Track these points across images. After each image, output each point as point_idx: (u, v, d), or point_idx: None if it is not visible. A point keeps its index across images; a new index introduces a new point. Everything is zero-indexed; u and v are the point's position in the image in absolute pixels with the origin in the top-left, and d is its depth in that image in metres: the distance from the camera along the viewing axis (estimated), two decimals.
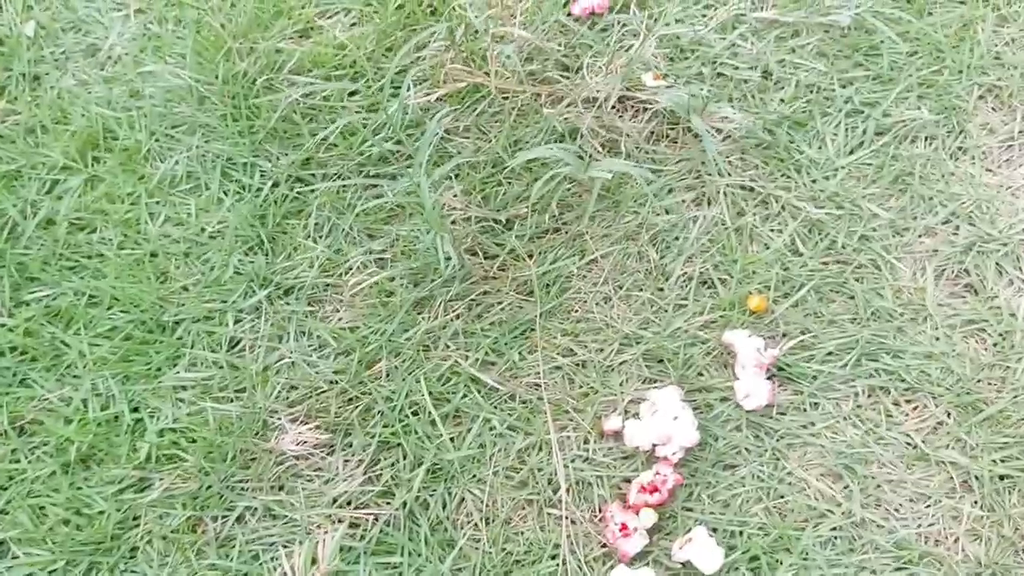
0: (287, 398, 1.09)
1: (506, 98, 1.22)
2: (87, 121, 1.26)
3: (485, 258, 1.17)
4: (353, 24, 1.30)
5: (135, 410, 1.10)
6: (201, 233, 1.19)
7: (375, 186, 1.20)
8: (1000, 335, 1.12)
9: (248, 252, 1.18)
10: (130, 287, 1.16)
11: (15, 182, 1.24)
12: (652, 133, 1.23)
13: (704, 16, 1.32)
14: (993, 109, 1.27)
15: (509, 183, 1.19)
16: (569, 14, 1.30)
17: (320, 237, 1.17)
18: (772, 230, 1.19)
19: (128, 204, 1.21)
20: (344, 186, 1.19)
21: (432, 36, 1.20)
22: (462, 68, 1.16)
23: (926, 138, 1.25)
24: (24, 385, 1.13)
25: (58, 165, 1.24)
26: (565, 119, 1.19)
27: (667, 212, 1.20)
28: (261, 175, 1.20)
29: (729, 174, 1.22)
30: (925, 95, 1.27)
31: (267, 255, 1.17)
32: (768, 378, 1.09)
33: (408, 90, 1.14)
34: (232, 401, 1.09)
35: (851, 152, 1.24)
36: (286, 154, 1.21)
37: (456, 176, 1.19)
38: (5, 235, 1.20)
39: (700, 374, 1.12)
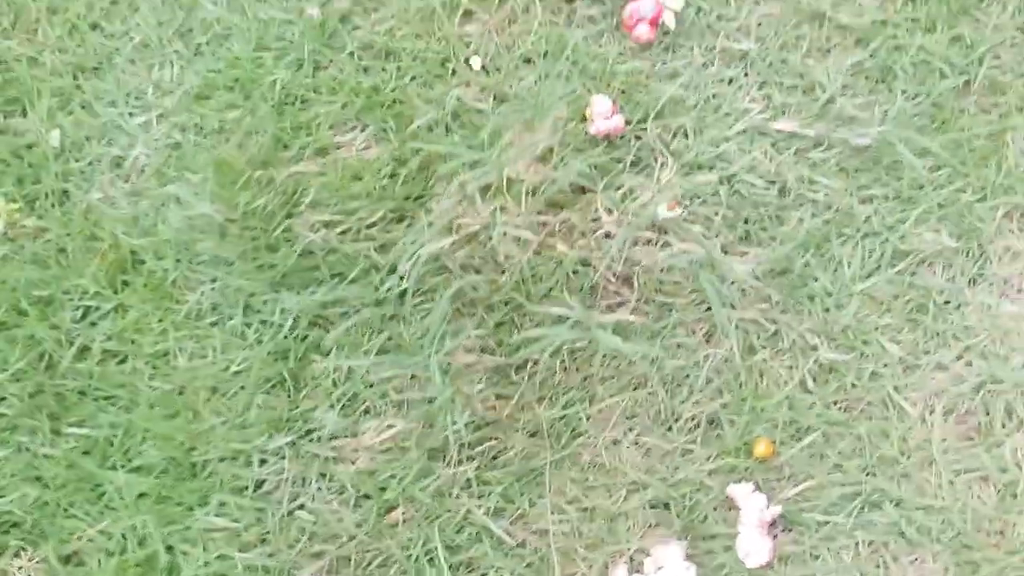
0: (310, 549, 1.14)
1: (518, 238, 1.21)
2: (115, 244, 1.28)
3: (497, 399, 1.19)
4: (367, 147, 1.29)
5: (169, 549, 1.16)
6: (226, 370, 1.22)
7: (393, 318, 1.22)
8: (1004, 485, 1.13)
9: (271, 389, 1.21)
10: (162, 422, 1.21)
11: (48, 308, 1.28)
12: (665, 269, 1.22)
13: (722, 126, 1.28)
14: (1017, 231, 1.24)
15: (522, 324, 1.20)
16: (585, 133, 1.27)
17: (340, 378, 1.20)
18: (783, 366, 1.19)
19: (157, 335, 1.25)
20: (362, 324, 1.21)
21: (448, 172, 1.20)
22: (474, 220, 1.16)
23: (944, 264, 1.23)
24: (68, 516, 1.20)
25: (90, 292, 1.27)
26: (580, 258, 1.19)
27: (678, 347, 1.20)
28: (282, 311, 1.23)
29: (741, 306, 1.21)
30: (945, 217, 1.24)
31: (289, 393, 1.21)
32: (772, 534, 1.11)
33: (410, 260, 1.14)
34: (258, 546, 1.15)
35: (868, 276, 1.22)
36: (306, 290, 1.23)
37: (470, 314, 1.20)
38: (44, 367, 1.25)
39: (704, 520, 1.14)
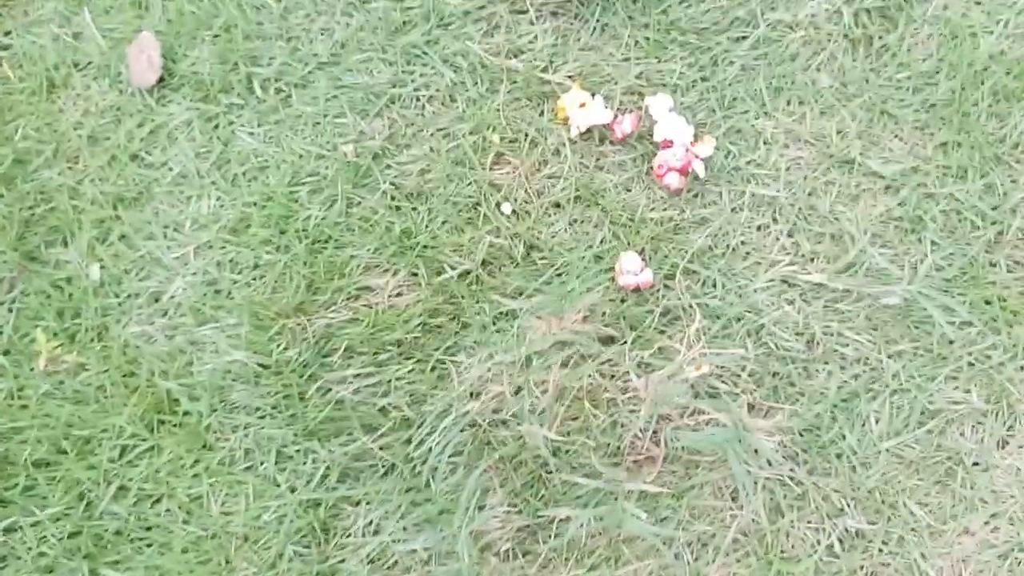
0: None
1: (545, 390, 1.21)
2: (151, 385, 1.30)
3: (523, 555, 1.19)
4: (398, 292, 1.30)
5: None
6: (258, 518, 1.23)
7: (419, 474, 1.22)
8: None
9: (302, 540, 1.22)
10: (195, 568, 1.22)
11: (86, 446, 1.29)
12: (693, 427, 1.21)
13: (751, 275, 1.27)
14: None
15: (549, 481, 1.20)
16: (613, 280, 1.27)
17: (370, 531, 1.20)
18: (809, 529, 1.18)
19: (191, 478, 1.26)
20: (392, 481, 1.21)
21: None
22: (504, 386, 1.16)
23: (973, 425, 1.21)
24: None
25: (127, 431, 1.29)
26: (609, 421, 1.18)
27: (704, 507, 1.19)
28: (314, 462, 1.23)
29: (769, 463, 1.20)
30: (975, 376, 1.22)
31: (320, 545, 1.21)
32: None
33: (440, 428, 1.15)
34: None
35: (896, 435, 1.21)
36: (337, 441, 1.23)
37: (498, 471, 1.20)
38: (82, 507, 1.26)
39: None
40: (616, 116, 1.30)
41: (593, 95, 1.32)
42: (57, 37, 1.50)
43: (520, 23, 1.41)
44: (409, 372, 1.23)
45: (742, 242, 1.29)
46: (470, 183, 1.33)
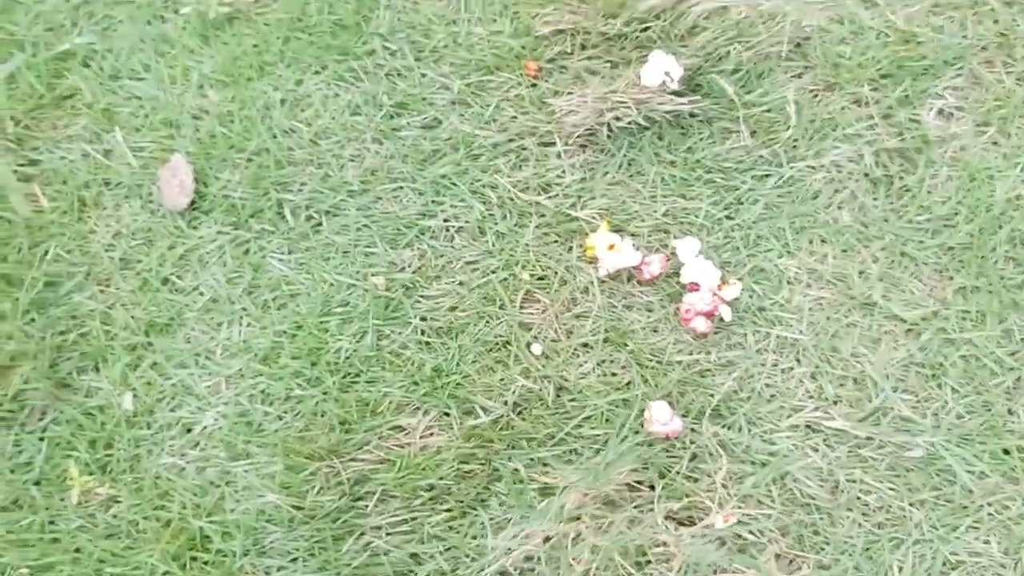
0: None
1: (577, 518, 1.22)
2: (183, 521, 1.29)
3: None
4: (430, 432, 1.30)
5: None
6: None
7: None
8: None
9: None
10: None
11: None
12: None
13: (776, 419, 1.29)
14: None
15: None
16: (642, 425, 1.28)
17: None
18: None
19: None
20: None
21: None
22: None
23: None
24: None
25: (159, 571, 1.28)
26: (639, 570, 1.19)
27: None
28: None
29: None
30: (994, 528, 1.24)
31: None
32: None
33: None
34: None
35: None
36: None
37: None
38: None
39: None
40: (644, 258, 1.31)
41: (621, 236, 1.33)
42: (87, 155, 1.50)
43: (548, 156, 1.43)
44: (442, 519, 1.23)
45: (766, 385, 1.30)
46: (500, 322, 1.34)
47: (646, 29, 1.41)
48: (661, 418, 1.23)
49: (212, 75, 1.52)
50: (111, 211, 1.48)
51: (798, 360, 1.32)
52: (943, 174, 1.38)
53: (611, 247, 1.31)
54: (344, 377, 1.33)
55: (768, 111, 1.40)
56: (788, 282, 1.34)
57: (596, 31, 1.42)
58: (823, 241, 1.37)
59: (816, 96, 1.42)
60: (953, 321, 1.31)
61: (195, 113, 1.50)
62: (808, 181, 1.39)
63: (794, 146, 1.41)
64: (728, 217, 1.38)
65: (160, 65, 1.52)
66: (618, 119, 1.38)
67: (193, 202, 1.46)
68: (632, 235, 1.36)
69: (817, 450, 1.27)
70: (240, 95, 1.50)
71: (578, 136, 1.41)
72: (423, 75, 1.47)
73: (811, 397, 1.29)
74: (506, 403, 1.28)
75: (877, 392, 1.28)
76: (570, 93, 1.40)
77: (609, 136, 1.40)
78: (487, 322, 1.34)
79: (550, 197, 1.40)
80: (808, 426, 1.28)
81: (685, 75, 1.37)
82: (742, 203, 1.39)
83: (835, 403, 1.29)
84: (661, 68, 1.34)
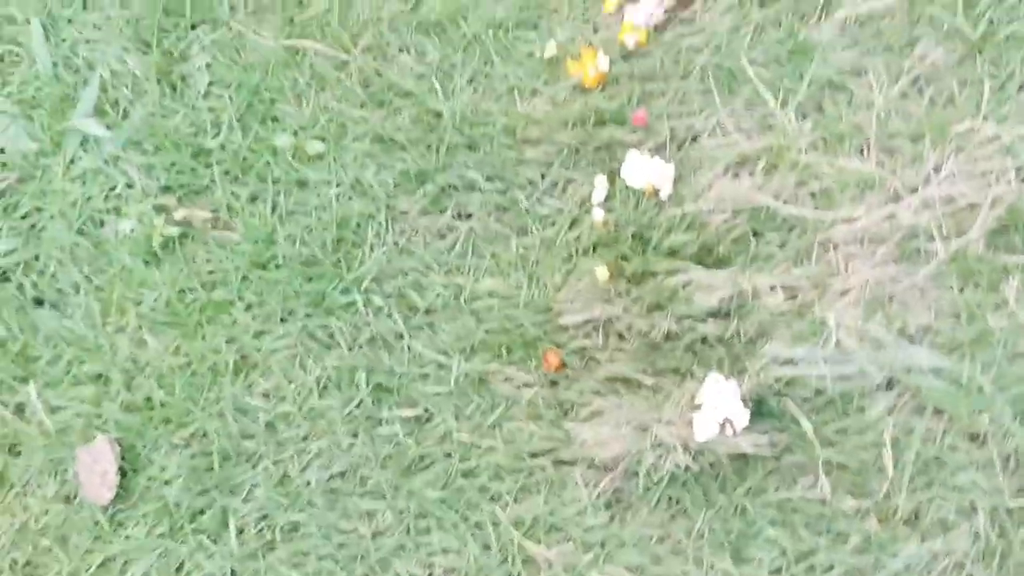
0: None
1: None
2: None
3: None
4: None
5: None
6: None
7: None
8: None
9: None
10: None
11: None
12: None
13: None
14: None
15: None
16: None
17: None
18: None
19: None
20: None
21: None
22: None
23: None
24: None
25: None
26: None
27: None
28: None
29: None
30: None
31: None
32: None
33: None
34: None
35: None
36: None
37: None
38: None
39: None
40: None
41: None
42: None
43: (566, 483, 1.10)
44: None
45: None
46: None
47: (704, 340, 1.06)
48: None
49: (152, 313, 1.18)
50: (19, 489, 1.16)
51: None
52: None
53: None
54: None
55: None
56: None
57: (635, 329, 1.06)
58: None
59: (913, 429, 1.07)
60: None
61: (128, 367, 1.17)
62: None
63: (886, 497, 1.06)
64: None
65: (89, 290, 1.18)
66: (660, 458, 1.03)
67: (118, 494, 1.14)
68: None
69: None
70: (186, 345, 1.16)
71: (607, 469, 1.06)
72: (415, 355, 1.13)
73: None
74: None
75: None
76: (598, 415, 1.06)
77: (648, 472, 1.06)
78: None
79: (562, 543, 1.07)
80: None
81: (752, 404, 1.02)
82: (813, 570, 1.05)
83: None
84: (718, 414, 0.99)
